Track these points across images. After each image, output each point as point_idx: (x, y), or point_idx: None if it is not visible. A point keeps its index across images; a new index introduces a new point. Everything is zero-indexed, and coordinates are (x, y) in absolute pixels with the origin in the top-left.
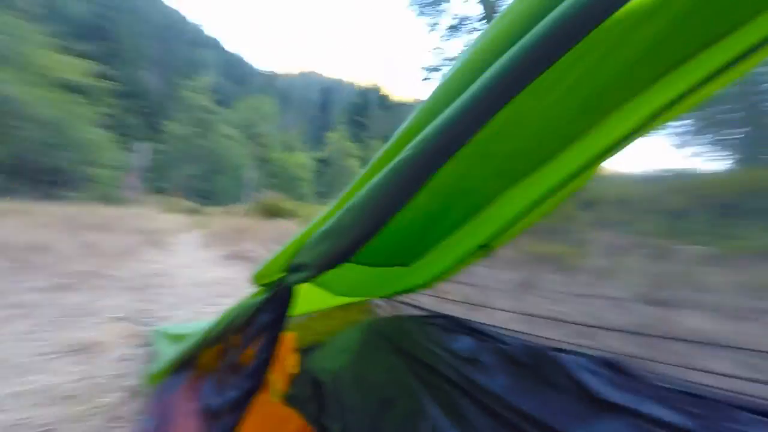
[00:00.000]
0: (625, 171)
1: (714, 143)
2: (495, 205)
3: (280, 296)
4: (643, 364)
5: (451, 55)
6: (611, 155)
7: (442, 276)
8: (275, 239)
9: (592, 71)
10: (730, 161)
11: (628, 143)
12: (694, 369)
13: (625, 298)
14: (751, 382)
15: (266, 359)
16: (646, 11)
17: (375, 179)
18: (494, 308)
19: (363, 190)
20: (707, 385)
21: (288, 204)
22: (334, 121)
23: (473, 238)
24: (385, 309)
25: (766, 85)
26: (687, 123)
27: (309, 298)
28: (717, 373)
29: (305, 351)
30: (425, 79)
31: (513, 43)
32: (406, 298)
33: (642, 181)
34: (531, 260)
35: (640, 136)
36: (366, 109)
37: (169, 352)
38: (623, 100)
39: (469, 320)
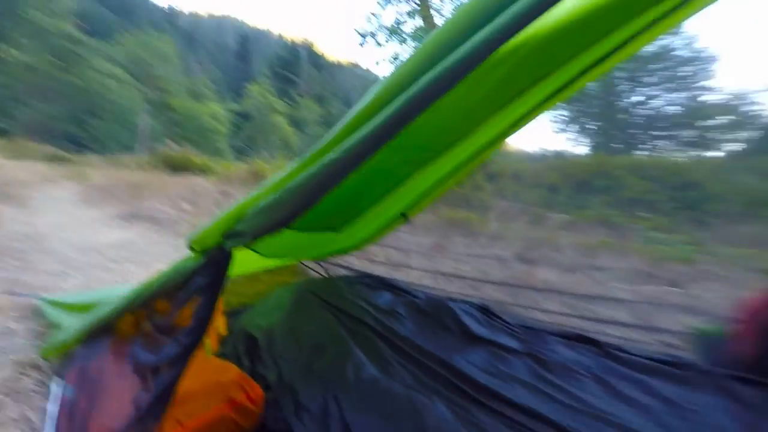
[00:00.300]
0: (523, 149)
1: (579, 132)
2: (410, 182)
3: (218, 260)
4: (505, 308)
5: (387, 23)
6: (492, 148)
7: (370, 240)
8: (187, 197)
9: (468, 94)
10: (589, 147)
11: (502, 140)
12: (535, 309)
13: (507, 257)
14: (564, 315)
15: (205, 319)
16: (500, 58)
17: (311, 168)
18: (411, 267)
19: (302, 176)
20: (539, 320)
21: (198, 158)
22: (256, 73)
23: (394, 207)
24: (316, 270)
25: (619, 87)
26: (563, 114)
27: (236, 262)
28: (549, 311)
29: (232, 314)
30: (361, 44)
31: (423, 72)
32: (338, 260)
33: (532, 159)
34: (445, 225)
35: (507, 136)
36: (295, 65)
37: (74, 322)
38: (490, 113)
39: (390, 279)
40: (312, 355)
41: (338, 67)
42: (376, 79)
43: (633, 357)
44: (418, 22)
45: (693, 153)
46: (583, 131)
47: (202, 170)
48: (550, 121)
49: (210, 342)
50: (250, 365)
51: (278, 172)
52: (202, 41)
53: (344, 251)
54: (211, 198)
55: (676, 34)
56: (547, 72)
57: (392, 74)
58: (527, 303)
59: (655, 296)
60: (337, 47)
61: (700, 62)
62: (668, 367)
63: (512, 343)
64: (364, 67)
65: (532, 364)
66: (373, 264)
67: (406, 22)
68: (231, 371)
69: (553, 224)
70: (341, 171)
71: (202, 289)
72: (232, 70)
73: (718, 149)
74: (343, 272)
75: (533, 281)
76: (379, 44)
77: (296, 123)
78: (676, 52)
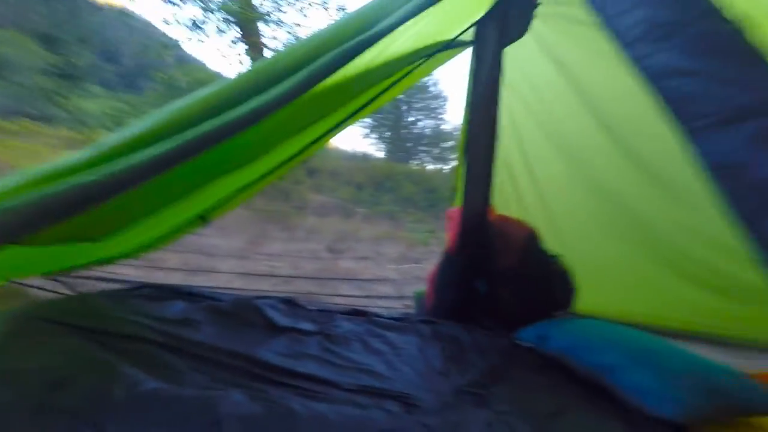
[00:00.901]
0: (341, 148)
1: (378, 139)
2: (209, 187)
3: None
4: (312, 297)
5: None
6: (290, 163)
7: (152, 246)
8: None
9: (266, 128)
10: (384, 153)
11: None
12: (336, 295)
13: (319, 250)
14: (355, 297)
15: None
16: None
17: (91, 173)
18: (216, 271)
19: (73, 181)
20: (337, 303)
21: None
22: None
23: (189, 210)
24: (50, 289)
25: (402, 107)
26: (368, 122)
27: None
28: (345, 295)
29: None
30: None
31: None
32: (96, 271)
33: (347, 157)
34: (262, 220)
35: (302, 156)
36: None
37: None
38: (283, 138)
39: (185, 286)
40: (49, 394)
41: (96, 7)
42: (159, 38)
43: (384, 320)
44: None
45: (438, 165)
46: (380, 139)
47: None
48: (360, 126)
49: None
50: None
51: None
52: None
53: (106, 261)
54: None
55: (430, 75)
56: (314, 120)
57: (202, 95)
58: (331, 291)
59: (408, 272)
60: None
61: (442, 99)
62: (399, 323)
63: (309, 327)
64: (145, 19)
65: (322, 340)
66: (163, 272)
67: None
68: None
69: (359, 218)
70: (128, 183)
71: None
72: None
73: (449, 164)
74: (107, 286)
75: (338, 270)
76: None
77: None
78: (429, 89)
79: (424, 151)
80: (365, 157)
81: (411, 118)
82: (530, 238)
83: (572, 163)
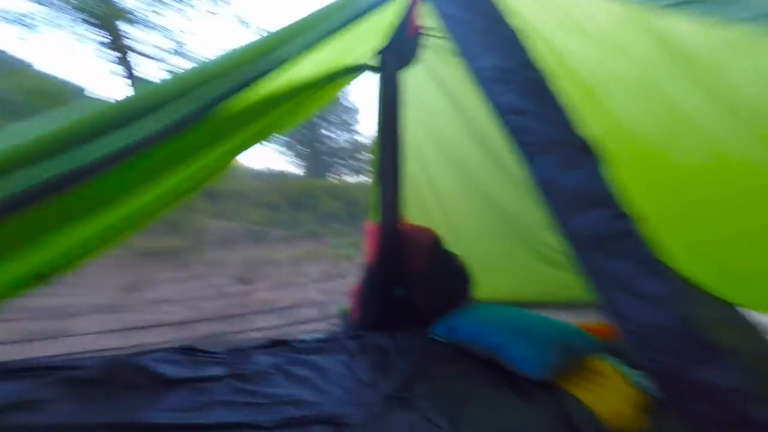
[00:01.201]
0: (251, 167)
1: (296, 155)
2: (57, 235)
3: None
4: (219, 339)
5: None
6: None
7: None
8: None
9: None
10: (302, 170)
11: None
12: (250, 329)
13: (225, 283)
14: (273, 328)
15: None
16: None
17: None
18: (72, 335)
19: None
20: (253, 338)
21: None
22: None
23: (20, 266)
24: None
25: (316, 122)
26: (284, 139)
27: None
28: (261, 328)
29: None
30: None
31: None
32: None
33: (257, 177)
34: (145, 260)
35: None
36: None
37: None
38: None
39: (18, 360)
40: None
41: None
42: None
43: (307, 345)
44: None
45: (358, 178)
46: (298, 155)
47: None
48: (274, 144)
49: None
50: None
51: None
52: None
53: None
54: None
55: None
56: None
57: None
58: (245, 326)
59: (333, 290)
60: None
61: (354, 111)
62: (324, 344)
63: (216, 372)
64: None
65: (234, 382)
66: None
67: None
68: None
69: (274, 241)
70: None
71: None
72: None
73: (368, 175)
74: None
75: (251, 303)
76: None
77: None
78: (341, 101)
79: (342, 164)
80: (281, 176)
81: (326, 132)
82: (435, 243)
83: (461, 174)
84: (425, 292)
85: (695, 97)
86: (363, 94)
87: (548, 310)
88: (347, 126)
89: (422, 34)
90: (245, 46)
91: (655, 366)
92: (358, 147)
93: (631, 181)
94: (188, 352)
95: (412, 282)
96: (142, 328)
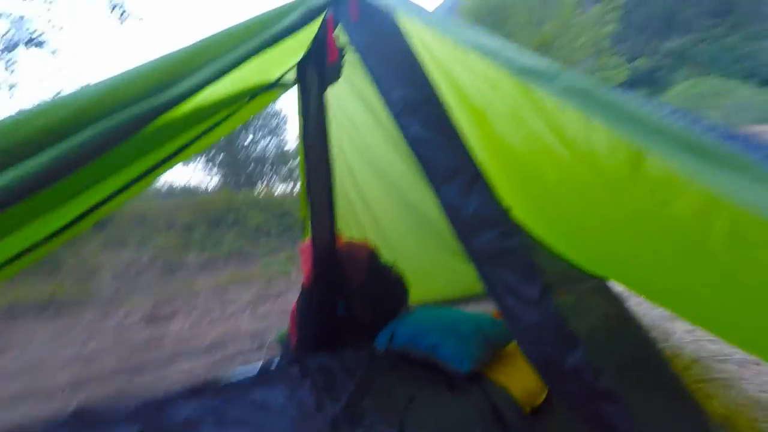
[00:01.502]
0: (156, 186)
1: (212, 168)
2: None
3: None
4: (124, 393)
5: None
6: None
7: None
8: None
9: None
10: (218, 182)
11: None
12: (169, 372)
13: (129, 326)
14: (217, 363)
15: None
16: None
17: None
18: None
19: None
20: (175, 381)
21: None
22: None
23: None
24: None
25: (240, 128)
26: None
27: None
28: (183, 371)
29: None
30: None
31: None
32: None
33: (162, 196)
34: (13, 313)
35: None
36: None
37: None
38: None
39: None
40: None
41: None
42: None
43: (241, 381)
44: None
45: (288, 186)
46: (215, 167)
47: None
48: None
49: None
50: None
51: None
52: None
53: None
54: None
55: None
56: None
57: None
58: (157, 376)
59: (269, 313)
60: None
61: (280, 118)
62: (261, 376)
63: (127, 429)
64: None
65: None
66: None
67: None
68: None
69: (190, 268)
70: None
71: None
72: None
73: (298, 183)
74: None
75: (166, 345)
76: None
77: None
78: (267, 108)
79: (269, 173)
80: (190, 192)
81: (250, 138)
82: (371, 256)
83: (387, 184)
84: (365, 305)
85: (545, 131)
86: (290, 101)
87: (476, 303)
88: (274, 132)
89: (343, 54)
90: (160, 62)
91: (539, 358)
92: (286, 154)
93: (514, 188)
94: (79, 417)
95: (351, 297)
96: (16, 397)
